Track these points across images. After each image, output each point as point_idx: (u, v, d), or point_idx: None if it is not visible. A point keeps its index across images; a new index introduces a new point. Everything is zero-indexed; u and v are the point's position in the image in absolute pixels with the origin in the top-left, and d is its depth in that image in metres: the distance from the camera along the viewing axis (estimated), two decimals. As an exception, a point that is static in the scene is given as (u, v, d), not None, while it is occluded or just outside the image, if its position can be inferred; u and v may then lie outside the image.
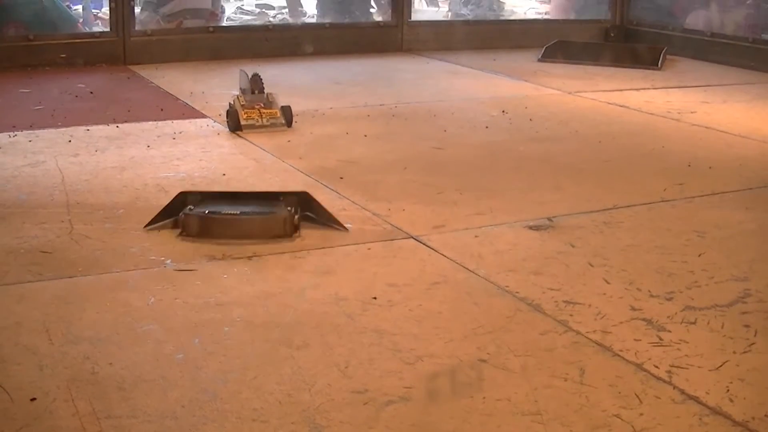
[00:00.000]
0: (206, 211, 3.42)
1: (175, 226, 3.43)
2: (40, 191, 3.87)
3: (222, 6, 8.53)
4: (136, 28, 7.26)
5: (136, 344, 2.52)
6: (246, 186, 3.97)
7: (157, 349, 2.49)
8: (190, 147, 4.62)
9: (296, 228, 3.40)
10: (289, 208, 3.43)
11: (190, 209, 3.42)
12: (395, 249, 3.31)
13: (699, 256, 3.28)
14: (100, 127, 5.01)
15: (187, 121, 5.22)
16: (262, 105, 5.08)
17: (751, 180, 4.29)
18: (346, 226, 3.48)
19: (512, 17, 10.36)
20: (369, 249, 3.30)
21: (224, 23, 8.60)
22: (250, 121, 4.96)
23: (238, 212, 3.42)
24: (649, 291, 2.95)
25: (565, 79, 6.87)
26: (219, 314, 2.72)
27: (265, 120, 5.01)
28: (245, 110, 4.99)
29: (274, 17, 10.29)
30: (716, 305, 2.86)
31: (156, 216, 3.45)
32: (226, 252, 3.20)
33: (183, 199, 3.50)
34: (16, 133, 4.83)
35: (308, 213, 3.52)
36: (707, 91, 6.55)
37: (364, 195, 3.89)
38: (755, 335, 2.66)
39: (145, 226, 3.42)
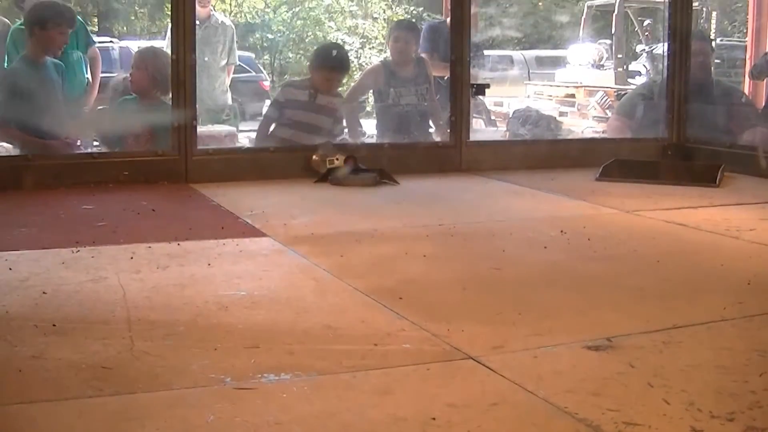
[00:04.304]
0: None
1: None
2: (102, 307, 3.92)
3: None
4: (198, 147, 7.39)
5: (195, 462, 2.53)
6: (306, 305, 4.00)
7: (215, 468, 2.50)
8: (251, 265, 4.67)
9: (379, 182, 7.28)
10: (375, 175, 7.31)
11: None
12: (454, 369, 3.30)
13: (760, 375, 3.24)
14: (162, 244, 5.08)
15: (247, 239, 5.28)
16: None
17: (814, 300, 4.25)
18: (405, 346, 3.50)
19: (570, 137, 10.44)
20: (428, 369, 3.29)
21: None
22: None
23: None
24: (710, 411, 2.92)
25: (623, 198, 6.87)
26: (278, 433, 2.72)
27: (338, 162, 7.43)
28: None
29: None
30: (779, 427, 2.82)
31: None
32: (286, 367, 3.22)
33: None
34: (79, 248, 4.91)
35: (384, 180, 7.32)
36: (766, 209, 6.52)
37: (423, 315, 3.89)
38: (820, 459, 2.62)
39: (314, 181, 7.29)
